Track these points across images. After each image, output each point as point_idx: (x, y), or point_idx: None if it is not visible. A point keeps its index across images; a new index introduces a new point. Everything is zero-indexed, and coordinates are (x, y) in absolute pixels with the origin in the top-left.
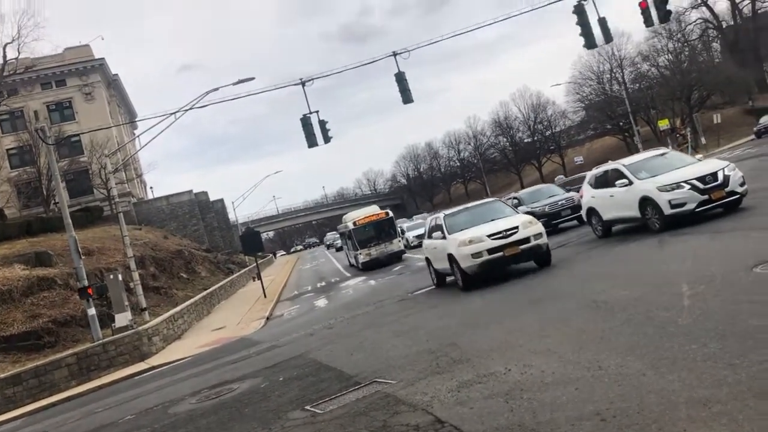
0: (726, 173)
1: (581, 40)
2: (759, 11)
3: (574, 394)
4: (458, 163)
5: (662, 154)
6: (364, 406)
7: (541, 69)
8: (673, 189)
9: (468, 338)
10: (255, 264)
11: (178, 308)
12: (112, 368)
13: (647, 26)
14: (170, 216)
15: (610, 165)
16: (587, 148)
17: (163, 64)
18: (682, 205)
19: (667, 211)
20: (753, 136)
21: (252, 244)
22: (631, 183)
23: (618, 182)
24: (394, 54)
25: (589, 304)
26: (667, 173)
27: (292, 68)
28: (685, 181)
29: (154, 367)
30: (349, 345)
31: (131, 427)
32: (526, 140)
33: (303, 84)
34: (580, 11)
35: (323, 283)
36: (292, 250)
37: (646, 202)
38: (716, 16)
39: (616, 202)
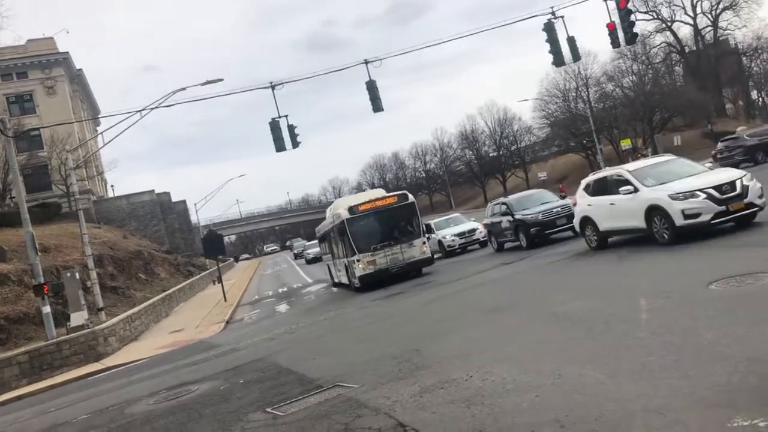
0: (744, 183)
1: (549, 58)
2: (720, 38)
3: (535, 401)
4: (424, 174)
5: (669, 161)
6: (325, 409)
7: (509, 84)
8: (687, 198)
9: (430, 345)
10: (216, 267)
11: (135, 309)
12: (65, 368)
13: (614, 47)
14: (131, 215)
15: (610, 170)
16: (551, 164)
17: (127, 63)
18: (697, 215)
19: (680, 221)
20: (711, 159)
21: (214, 247)
22: (636, 190)
23: (621, 189)
24: (366, 62)
25: (550, 315)
26: (679, 180)
27: (257, 74)
28: (701, 190)
29: (109, 368)
30: (311, 349)
31: (86, 427)
32: (491, 154)
33: (273, 88)
34: (549, 29)
35: (285, 289)
36: (268, 249)
37: (654, 212)
38: (679, 41)
39: (617, 211)
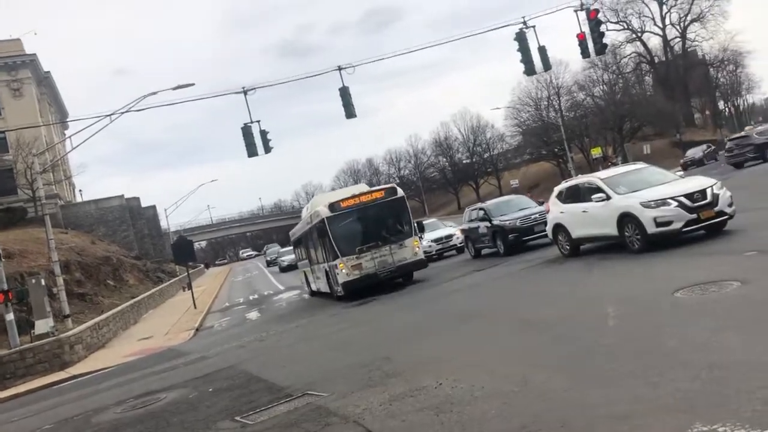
0: (715, 191)
1: (521, 67)
2: (688, 49)
3: (502, 408)
4: (398, 180)
5: (640, 169)
6: (295, 417)
7: (482, 92)
8: (658, 206)
9: (401, 353)
10: (186, 274)
11: (103, 316)
12: (29, 377)
13: (583, 57)
14: (99, 221)
15: (582, 178)
16: (523, 171)
17: (97, 66)
18: (669, 223)
19: (651, 229)
20: (680, 168)
21: (184, 253)
22: (609, 198)
23: (594, 197)
24: (339, 68)
25: (519, 322)
26: (651, 188)
27: (230, 79)
28: (673, 198)
29: (75, 377)
30: (281, 357)
31: None
32: (464, 161)
33: (245, 93)
34: (521, 39)
35: (256, 296)
36: (244, 254)
37: (626, 219)
38: (649, 51)
39: (589, 219)
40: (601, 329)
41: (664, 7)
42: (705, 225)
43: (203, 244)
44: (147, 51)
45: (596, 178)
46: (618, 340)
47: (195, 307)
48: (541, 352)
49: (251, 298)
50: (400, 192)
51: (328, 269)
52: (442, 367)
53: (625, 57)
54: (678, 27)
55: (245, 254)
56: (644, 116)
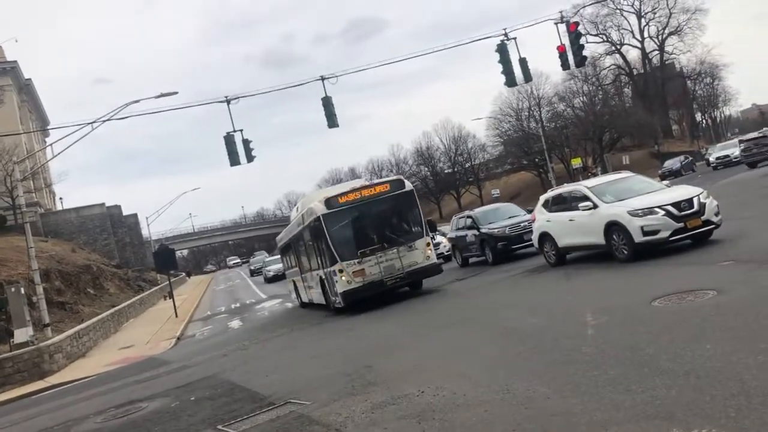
0: (701, 200)
1: (502, 78)
2: (666, 62)
3: (484, 416)
4: None
5: (626, 178)
6: (277, 425)
7: (463, 102)
8: (645, 214)
9: (383, 361)
10: (168, 282)
11: (83, 325)
12: (7, 386)
13: (564, 69)
14: (80, 229)
15: (568, 186)
16: (504, 181)
17: (78, 75)
18: (656, 232)
19: (639, 238)
20: (658, 179)
21: (165, 262)
22: (595, 206)
23: (581, 205)
24: (322, 78)
25: (501, 331)
26: (638, 197)
27: (211, 89)
28: (660, 207)
29: (54, 386)
30: (263, 366)
31: None
32: (446, 171)
33: (228, 102)
34: (502, 50)
35: (237, 305)
36: (231, 262)
37: (613, 228)
38: (628, 63)
39: (575, 227)
40: (582, 337)
41: (643, 20)
42: (692, 234)
43: (185, 252)
44: (126, 60)
45: (583, 186)
46: (597, 349)
47: (176, 316)
48: (522, 360)
49: (233, 307)
50: (408, 185)
51: (324, 277)
52: (424, 376)
53: (604, 69)
54: (656, 40)
55: (232, 262)
56: (623, 127)
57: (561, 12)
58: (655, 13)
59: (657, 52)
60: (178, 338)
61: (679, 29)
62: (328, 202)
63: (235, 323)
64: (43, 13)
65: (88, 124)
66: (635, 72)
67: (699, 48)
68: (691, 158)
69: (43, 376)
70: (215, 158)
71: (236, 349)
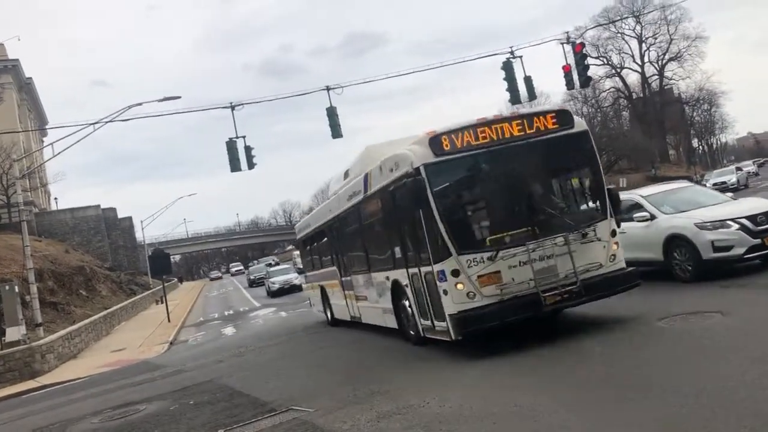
0: None
1: (504, 94)
2: (666, 87)
3: (493, 428)
4: None
5: (685, 187)
6: None
7: (465, 117)
8: (716, 228)
9: (385, 371)
10: (162, 287)
11: (75, 326)
12: None
13: (568, 89)
14: (74, 230)
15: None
16: None
17: (75, 77)
18: (728, 248)
19: (708, 254)
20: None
21: (160, 266)
22: (653, 217)
23: (636, 216)
24: (327, 88)
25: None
26: (704, 208)
27: (208, 96)
28: (733, 219)
29: (46, 386)
30: (262, 373)
31: None
32: None
33: (232, 108)
34: (508, 68)
35: (231, 312)
36: (233, 269)
37: (675, 242)
38: (628, 87)
39: (629, 240)
40: (587, 355)
41: (644, 45)
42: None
43: (177, 258)
44: (124, 64)
45: (637, 194)
46: (605, 366)
47: (169, 321)
48: (527, 375)
49: (226, 313)
50: (581, 123)
51: (406, 282)
52: (428, 387)
53: (604, 91)
54: (656, 65)
55: (234, 269)
56: (621, 150)
57: (567, 32)
58: (655, 39)
59: (656, 76)
60: (171, 343)
61: (679, 55)
62: (436, 142)
63: (229, 330)
64: (44, 12)
65: (90, 124)
66: (634, 96)
67: (698, 74)
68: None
69: (34, 375)
70: (212, 165)
71: (232, 356)
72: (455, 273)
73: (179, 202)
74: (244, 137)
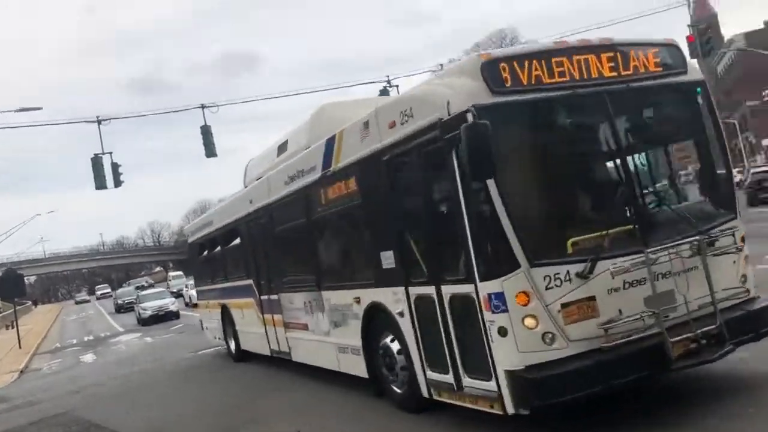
0: None
1: None
2: None
3: None
4: None
5: None
6: None
7: None
8: None
9: (253, 402)
10: (13, 310)
11: None
12: None
13: None
14: None
15: None
16: None
17: None
18: None
19: None
20: None
21: (12, 288)
22: None
23: None
24: (203, 106)
25: None
26: None
27: (77, 108)
28: None
29: None
30: (123, 403)
31: None
32: None
33: (99, 123)
34: (384, 96)
35: (91, 337)
36: (99, 292)
37: None
38: None
39: None
40: None
41: None
42: None
43: (32, 279)
44: None
45: None
46: None
47: (20, 347)
48: None
49: (86, 339)
50: (695, 68)
51: (411, 309)
52: (300, 417)
53: None
54: None
55: (100, 292)
56: None
57: (441, 64)
58: None
59: None
60: (22, 371)
61: None
62: (494, 70)
63: (89, 357)
64: None
65: None
66: None
67: None
68: None
69: None
70: (75, 181)
71: (91, 385)
72: (524, 299)
73: (37, 219)
74: (110, 153)
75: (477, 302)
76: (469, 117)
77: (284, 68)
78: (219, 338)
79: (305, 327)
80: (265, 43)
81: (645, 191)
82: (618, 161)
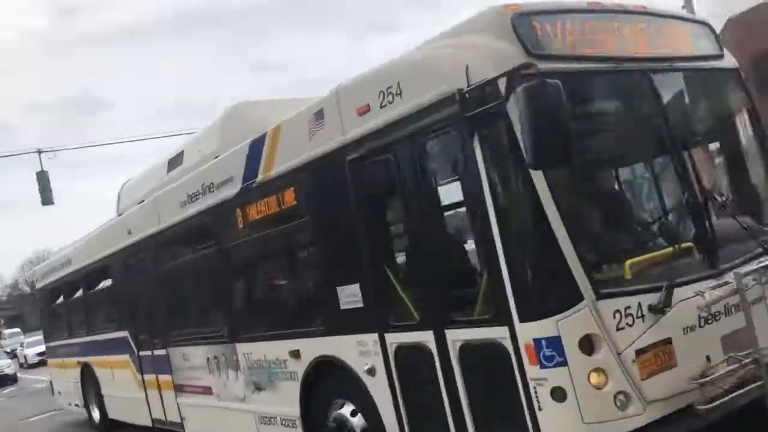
0: None
1: None
2: None
3: None
4: None
5: None
6: None
7: None
8: None
9: None
10: None
11: None
12: None
13: None
14: None
15: None
16: None
17: None
18: None
19: None
20: None
21: None
22: None
23: None
24: (39, 151)
25: None
26: None
27: None
28: None
29: None
30: None
31: None
32: None
33: None
34: None
35: None
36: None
37: None
38: None
39: None
40: None
41: None
42: None
43: None
44: None
45: None
46: None
47: None
48: None
49: None
50: (729, 54)
51: (390, 363)
52: None
53: None
54: None
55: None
56: None
57: None
58: None
59: None
60: None
61: None
62: (527, 26)
63: None
64: None
65: None
66: None
67: None
68: None
69: None
70: None
71: None
72: (587, 345)
73: None
74: None
75: (513, 352)
76: (501, 86)
77: (132, 114)
78: (76, 404)
79: (207, 390)
80: (115, 88)
81: (710, 197)
82: (677, 159)
